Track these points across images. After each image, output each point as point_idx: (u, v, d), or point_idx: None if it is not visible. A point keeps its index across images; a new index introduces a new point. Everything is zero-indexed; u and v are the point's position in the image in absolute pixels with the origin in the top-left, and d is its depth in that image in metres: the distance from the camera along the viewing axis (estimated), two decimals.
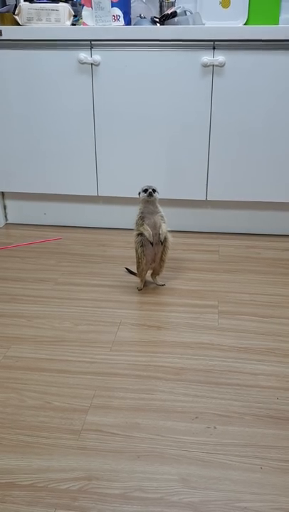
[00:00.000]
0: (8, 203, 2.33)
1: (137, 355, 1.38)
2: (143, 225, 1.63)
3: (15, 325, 1.53)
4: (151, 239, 1.63)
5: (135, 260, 1.69)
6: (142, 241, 1.64)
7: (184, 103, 2.00)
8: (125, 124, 2.06)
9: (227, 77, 1.93)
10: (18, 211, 2.34)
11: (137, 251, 1.66)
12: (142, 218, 1.64)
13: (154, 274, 1.76)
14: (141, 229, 1.63)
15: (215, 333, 1.48)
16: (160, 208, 1.66)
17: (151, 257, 1.68)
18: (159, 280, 1.77)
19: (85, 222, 2.30)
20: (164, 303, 1.66)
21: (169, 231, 1.68)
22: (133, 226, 1.67)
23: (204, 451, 1.06)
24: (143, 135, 2.07)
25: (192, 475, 1.00)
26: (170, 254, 1.73)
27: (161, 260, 1.70)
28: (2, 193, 2.31)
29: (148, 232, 1.63)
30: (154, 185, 1.64)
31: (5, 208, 2.34)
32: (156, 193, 1.62)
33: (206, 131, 2.03)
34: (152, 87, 1.99)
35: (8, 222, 2.36)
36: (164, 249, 1.68)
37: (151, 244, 1.65)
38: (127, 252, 1.99)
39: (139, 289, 1.74)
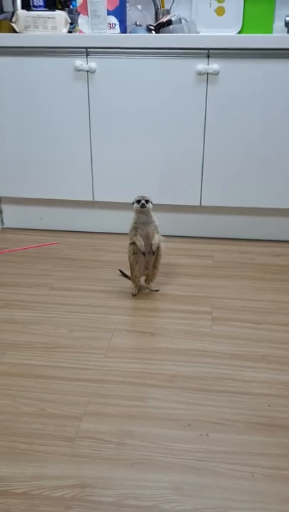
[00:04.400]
0: (5, 207, 2.32)
1: (131, 362, 1.38)
2: (136, 235, 1.64)
3: (10, 331, 1.53)
4: (143, 249, 1.64)
5: (129, 266, 1.69)
6: (134, 250, 1.65)
7: (179, 110, 2.00)
8: (121, 131, 2.07)
9: (221, 84, 1.94)
10: (14, 216, 2.33)
11: (129, 259, 1.67)
12: (135, 228, 1.64)
13: (147, 280, 1.77)
14: (134, 239, 1.64)
15: (208, 339, 1.49)
16: (154, 218, 1.66)
17: (143, 265, 1.70)
18: (153, 286, 1.78)
19: (81, 227, 2.31)
20: (157, 309, 1.66)
21: (163, 235, 1.69)
22: (128, 232, 1.67)
23: (197, 459, 1.06)
24: (138, 141, 2.07)
25: (185, 483, 1.00)
26: (164, 259, 1.74)
27: (154, 267, 1.71)
28: None
29: (140, 242, 1.63)
30: (148, 196, 1.64)
31: (1, 212, 2.34)
32: (149, 203, 1.63)
33: (200, 137, 2.03)
34: (147, 94, 1.99)
35: (4, 226, 2.36)
36: (156, 257, 1.69)
37: (144, 253, 1.65)
38: (123, 256, 1.99)
39: (134, 295, 1.74)
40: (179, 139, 2.05)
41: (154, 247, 1.66)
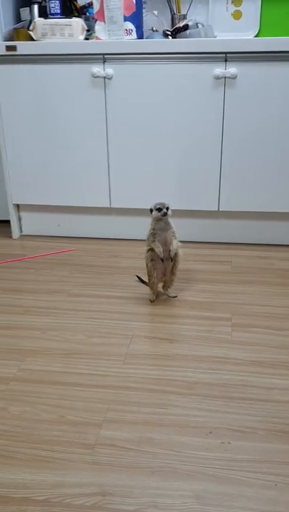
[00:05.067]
0: (23, 214, 2.35)
1: (150, 369, 1.38)
2: (154, 241, 1.64)
3: (29, 337, 1.54)
4: (161, 255, 1.65)
5: (146, 272, 1.70)
6: (152, 256, 1.65)
7: (197, 115, 2.00)
8: (138, 136, 2.08)
9: (239, 88, 1.94)
10: (32, 223, 2.36)
11: (147, 265, 1.67)
12: (153, 235, 1.65)
13: (165, 286, 1.76)
14: (152, 245, 1.65)
15: (228, 346, 1.48)
16: (172, 224, 1.66)
17: (161, 271, 1.70)
18: (171, 292, 1.77)
19: (98, 234, 2.32)
20: (176, 315, 1.66)
21: (181, 241, 1.68)
22: (145, 238, 1.68)
23: (219, 467, 1.05)
24: (155, 147, 2.08)
25: (206, 491, 0.99)
26: (182, 265, 1.74)
27: (172, 273, 1.71)
28: (17, 205, 2.33)
29: (159, 249, 1.64)
30: (167, 202, 1.64)
31: (20, 219, 2.36)
32: (169, 210, 1.63)
33: (218, 142, 2.03)
34: (165, 99, 2.00)
35: (23, 233, 2.39)
36: (174, 263, 1.68)
37: (162, 260, 1.65)
38: (140, 263, 1.99)
39: (152, 301, 1.74)
40: (197, 143, 2.05)
41: (172, 253, 1.66)
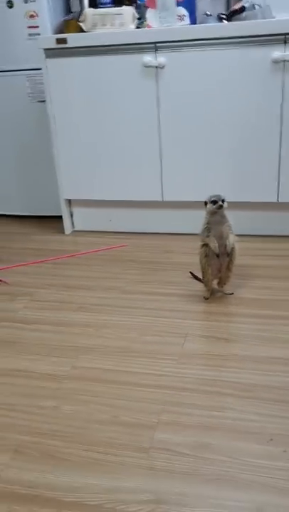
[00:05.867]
0: (75, 210, 2.36)
1: (205, 369, 1.33)
2: (209, 236, 1.59)
3: (82, 334, 1.54)
4: (216, 251, 1.59)
5: (200, 269, 1.65)
6: (207, 252, 1.60)
7: (253, 102, 1.92)
8: (191, 127, 2.02)
9: None
10: (84, 218, 2.37)
11: (201, 261, 1.62)
12: (207, 229, 1.59)
13: (220, 283, 1.71)
14: (206, 240, 1.59)
15: (288, 346, 1.41)
16: (228, 218, 1.60)
17: (216, 268, 1.64)
18: (227, 289, 1.71)
19: (150, 228, 2.29)
20: (232, 313, 1.60)
21: (237, 235, 1.62)
22: (199, 232, 1.63)
23: (281, 478, 0.99)
24: (209, 137, 2.02)
25: (268, 504, 0.94)
26: (238, 260, 1.67)
27: (228, 270, 1.65)
28: (69, 200, 2.35)
29: (214, 244, 1.58)
30: (223, 195, 1.57)
31: (72, 215, 2.38)
32: (225, 203, 1.57)
33: (276, 129, 1.94)
34: (220, 87, 1.93)
35: (75, 229, 2.40)
36: (230, 259, 1.62)
37: (217, 255, 1.60)
38: (193, 258, 1.93)
39: (206, 298, 1.69)
40: (254, 132, 1.97)
41: (228, 248, 1.60)
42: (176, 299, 1.70)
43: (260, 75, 1.87)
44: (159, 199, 2.17)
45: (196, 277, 1.81)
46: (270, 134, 1.95)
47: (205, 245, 1.61)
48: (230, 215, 1.62)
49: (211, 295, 1.70)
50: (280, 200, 2.04)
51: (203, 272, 1.65)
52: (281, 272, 1.84)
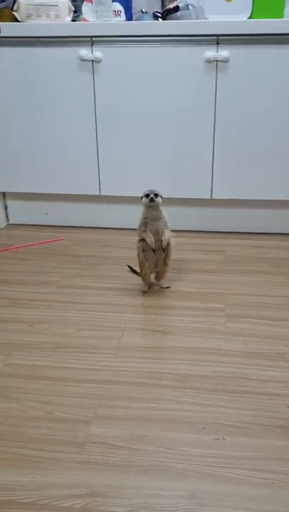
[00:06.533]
0: (10, 203, 2.28)
1: (142, 362, 1.33)
2: (146, 231, 1.59)
3: (16, 331, 1.48)
4: (153, 246, 1.59)
5: (138, 263, 1.65)
6: (144, 246, 1.60)
7: (188, 99, 1.94)
8: (128, 122, 2.01)
9: (231, 72, 1.87)
10: (19, 211, 2.29)
11: (138, 256, 1.62)
12: (144, 224, 1.59)
13: (157, 277, 1.71)
14: (143, 235, 1.59)
15: (222, 337, 1.43)
16: (164, 213, 1.61)
17: (153, 262, 1.65)
18: (164, 283, 1.72)
19: (88, 222, 2.26)
20: (169, 306, 1.61)
21: (173, 230, 1.63)
22: (137, 228, 1.62)
23: (213, 465, 1.01)
24: (146, 132, 2.01)
25: (201, 491, 0.95)
26: (175, 255, 1.69)
27: (164, 264, 1.66)
28: (3, 193, 2.26)
29: (150, 239, 1.59)
30: (157, 190, 1.58)
31: (6, 208, 2.29)
32: (158, 197, 1.57)
33: (210, 127, 1.97)
34: (155, 83, 1.93)
35: (9, 222, 2.32)
36: (166, 254, 1.63)
37: (154, 250, 1.60)
38: (131, 252, 1.93)
39: (144, 292, 1.69)
40: (189, 129, 1.98)
41: (164, 244, 1.61)
42: (114, 293, 1.69)
43: (195, 74, 1.89)
44: (97, 193, 2.15)
45: (133, 271, 1.80)
46: (205, 131, 1.98)
47: (142, 240, 1.61)
48: (167, 210, 1.63)
49: (149, 289, 1.71)
50: (213, 197, 2.08)
51: (140, 267, 1.65)
52: (214, 266, 1.87)
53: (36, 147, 2.10)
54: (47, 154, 2.11)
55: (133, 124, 2.01)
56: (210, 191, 2.07)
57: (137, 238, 1.62)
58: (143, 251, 1.61)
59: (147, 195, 1.57)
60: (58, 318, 1.55)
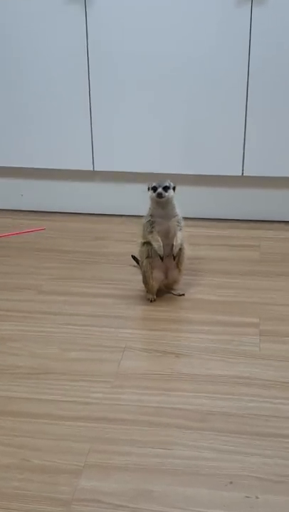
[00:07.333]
0: None
1: (148, 394, 1.35)
2: (152, 232, 1.61)
3: None
4: (161, 252, 1.62)
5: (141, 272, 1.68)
6: (149, 251, 1.62)
7: (211, 43, 1.96)
8: (130, 75, 2.03)
9: (270, 5, 1.88)
10: None
11: (142, 263, 1.65)
12: (151, 223, 1.61)
13: (168, 286, 1.74)
14: (149, 237, 1.62)
15: (254, 362, 1.45)
16: (177, 210, 1.63)
17: (162, 270, 1.67)
18: (177, 289, 1.74)
19: (77, 207, 2.29)
20: (183, 320, 1.64)
21: (189, 218, 1.65)
22: (143, 214, 1.65)
23: None
24: (154, 89, 2.04)
25: None
26: (192, 251, 1.72)
27: (177, 269, 1.69)
28: None
29: (158, 243, 1.61)
30: (169, 180, 1.59)
31: None
32: (169, 190, 1.58)
33: (242, 83, 1.99)
34: (167, 21, 1.95)
35: None
36: (179, 260, 1.66)
37: (161, 258, 1.63)
38: (134, 246, 1.95)
39: (151, 301, 1.71)
40: (212, 86, 2.01)
41: (175, 250, 1.63)
42: (112, 302, 1.71)
43: (221, 9, 1.91)
44: (89, 168, 2.17)
45: (139, 263, 1.80)
46: (234, 88, 2.00)
47: (147, 243, 1.63)
48: (182, 192, 1.64)
49: (157, 297, 1.73)
50: (245, 174, 2.10)
51: (144, 277, 1.67)
52: (246, 266, 1.90)
53: (11, 109, 2.13)
54: (22, 117, 2.14)
55: (137, 78, 2.03)
56: (241, 166, 2.09)
57: (140, 240, 1.64)
58: (148, 257, 1.63)
59: (155, 188, 1.58)
60: (38, 334, 1.57)
